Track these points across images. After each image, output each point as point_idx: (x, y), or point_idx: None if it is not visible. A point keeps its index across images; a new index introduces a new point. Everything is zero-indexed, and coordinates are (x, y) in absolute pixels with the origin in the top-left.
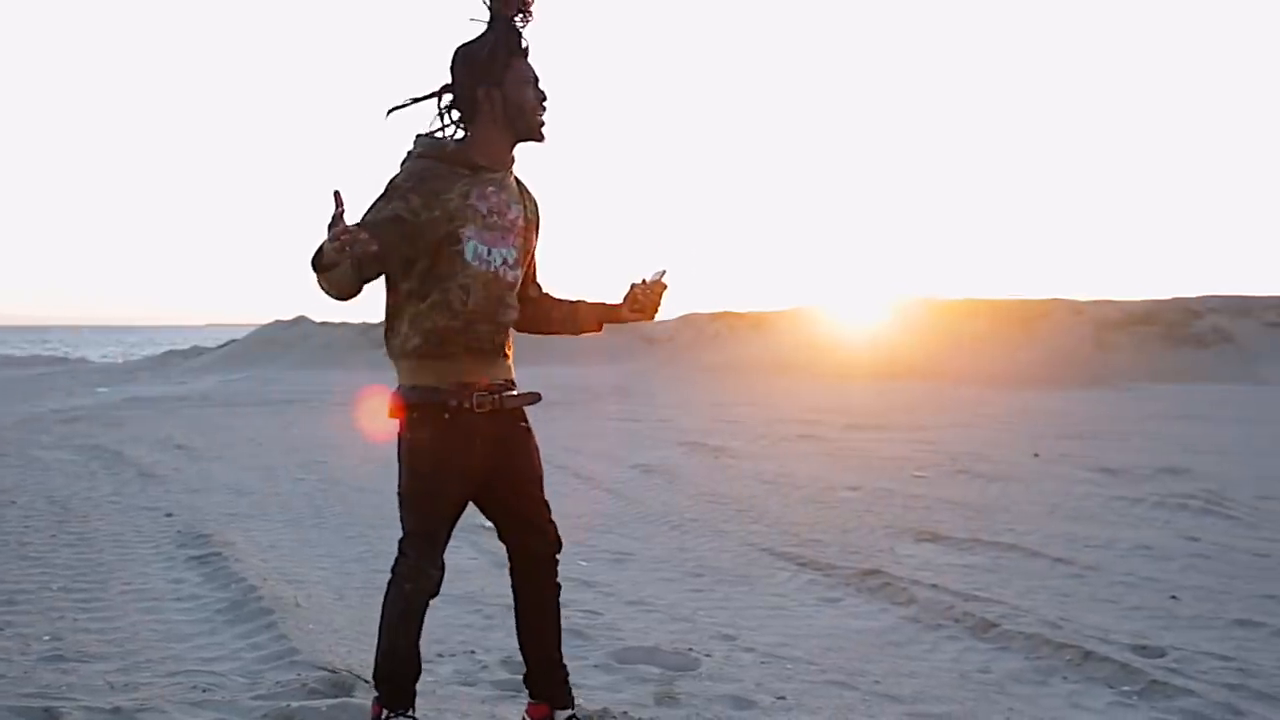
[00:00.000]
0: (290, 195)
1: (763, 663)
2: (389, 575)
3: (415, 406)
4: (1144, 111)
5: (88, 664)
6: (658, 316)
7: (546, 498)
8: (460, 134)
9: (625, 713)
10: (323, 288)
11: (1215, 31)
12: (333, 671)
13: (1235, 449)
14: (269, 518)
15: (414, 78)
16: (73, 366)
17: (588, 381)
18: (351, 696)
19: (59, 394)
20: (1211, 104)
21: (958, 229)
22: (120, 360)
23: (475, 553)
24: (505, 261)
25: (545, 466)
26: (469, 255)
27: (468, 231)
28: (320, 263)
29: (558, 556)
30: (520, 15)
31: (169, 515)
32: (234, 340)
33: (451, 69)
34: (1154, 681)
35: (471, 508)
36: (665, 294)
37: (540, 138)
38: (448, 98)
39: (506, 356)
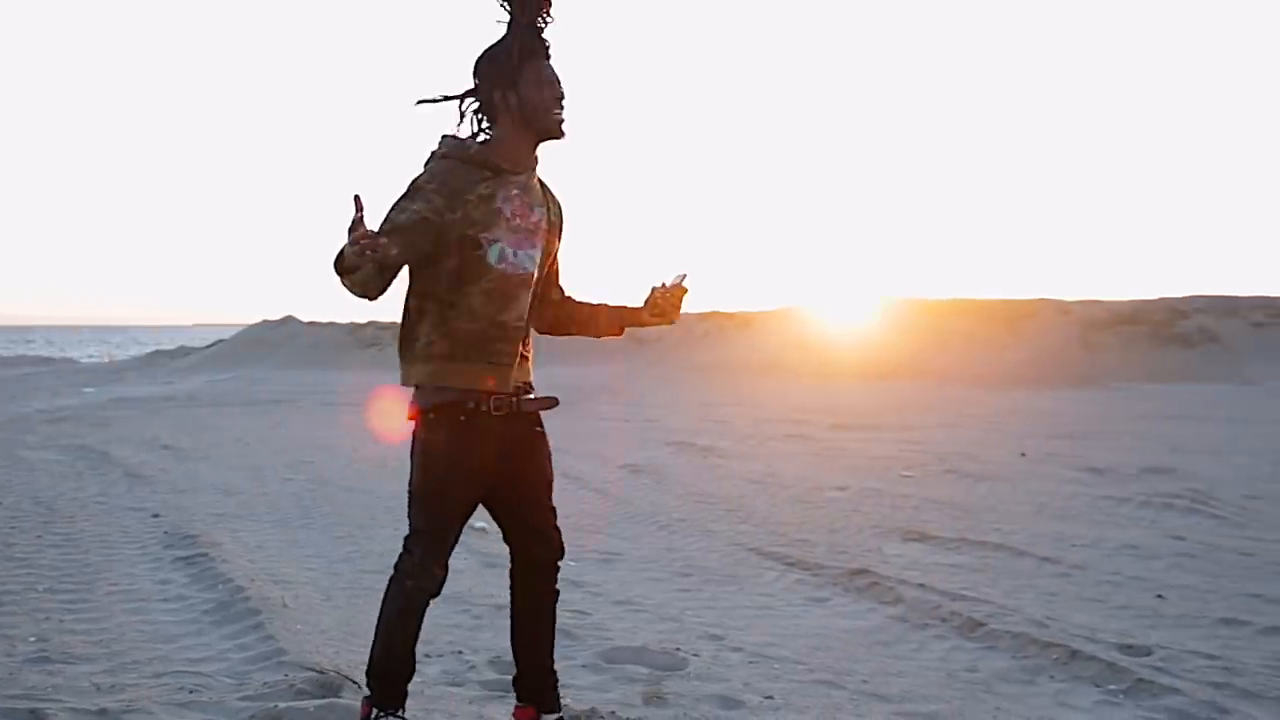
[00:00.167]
0: (279, 195)
1: (750, 662)
2: (378, 574)
3: (432, 407)
4: (1132, 113)
5: (74, 665)
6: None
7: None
8: (484, 136)
9: (613, 712)
10: (346, 287)
11: (1196, 33)
12: (320, 672)
13: (1221, 448)
14: (256, 518)
15: (408, 78)
16: (58, 367)
17: (576, 381)
18: (339, 697)
19: (45, 394)
20: (1198, 106)
21: (945, 229)
22: (107, 360)
23: (464, 553)
24: (528, 264)
25: None
26: (493, 259)
27: (492, 235)
28: (342, 266)
29: (559, 564)
30: (540, 18)
31: (156, 516)
32: (221, 340)
33: (474, 73)
34: (1140, 680)
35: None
36: (685, 297)
37: (559, 134)
38: (473, 101)
39: (526, 359)
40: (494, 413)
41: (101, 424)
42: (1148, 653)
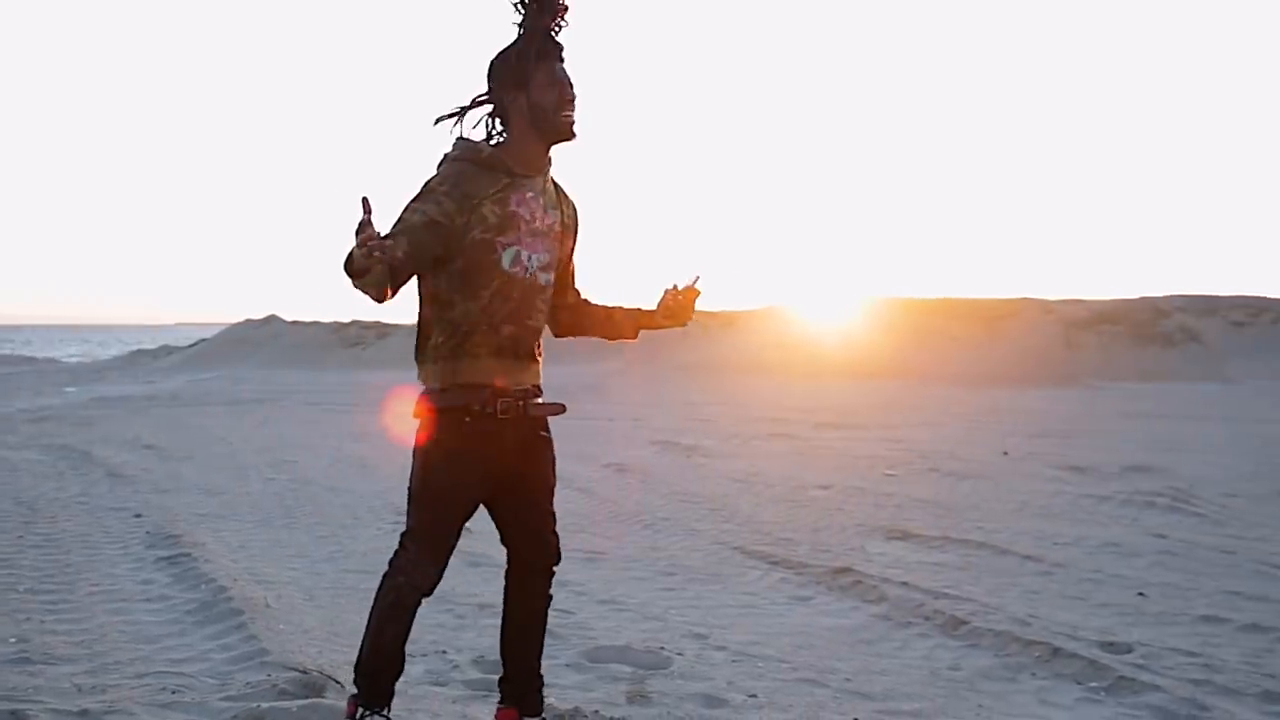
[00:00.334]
0: (263, 193)
1: (734, 661)
2: (362, 574)
3: (439, 408)
4: (1112, 114)
5: (55, 666)
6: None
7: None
8: (498, 139)
9: (597, 711)
10: (358, 289)
11: (1172, 36)
12: (303, 672)
13: (1202, 447)
14: (239, 518)
15: (397, 78)
16: (40, 366)
17: (561, 380)
18: (322, 697)
19: (26, 394)
20: (1179, 107)
21: (928, 229)
22: (88, 360)
23: None
24: (540, 266)
25: None
26: (507, 263)
27: (506, 239)
28: (351, 268)
29: (555, 569)
30: (555, 23)
31: (138, 516)
32: (204, 339)
33: (487, 76)
34: (1121, 678)
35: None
36: (698, 299)
37: (570, 135)
38: (487, 105)
39: (536, 361)
40: (500, 415)
41: (84, 423)
42: (1129, 650)
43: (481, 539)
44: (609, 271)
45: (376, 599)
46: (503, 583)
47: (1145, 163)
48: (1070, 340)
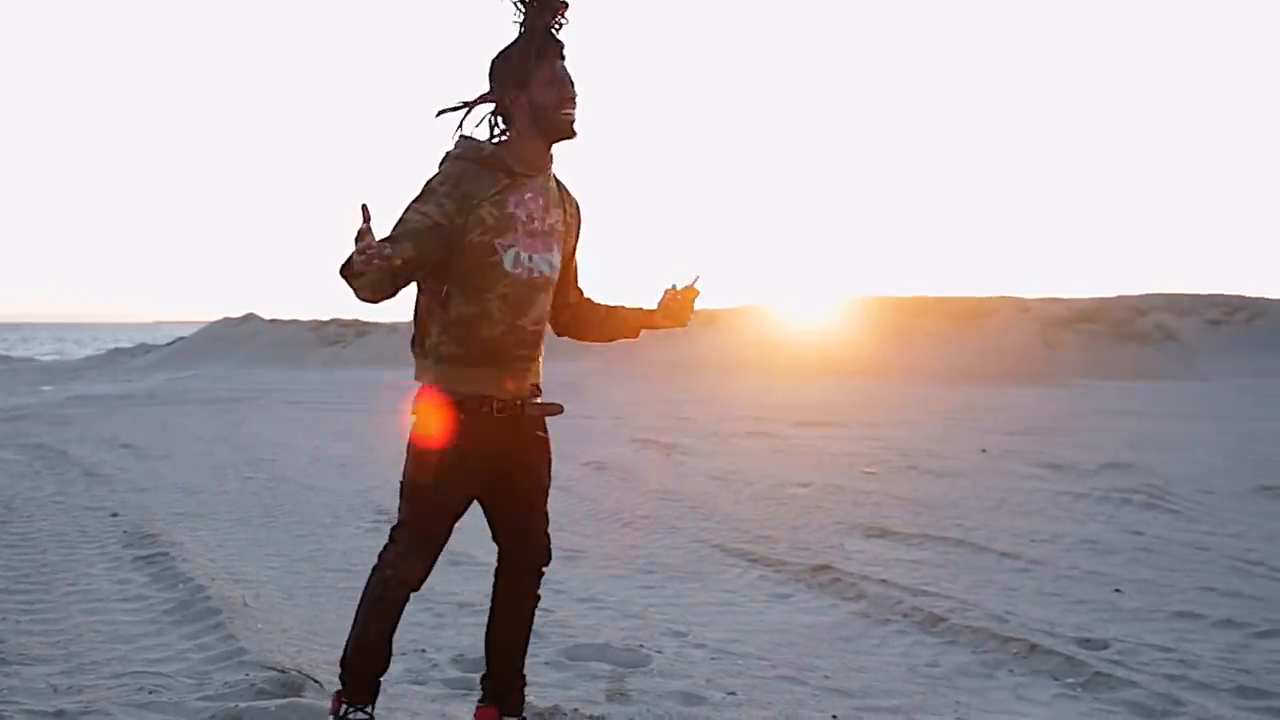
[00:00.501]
0: (242, 191)
1: (713, 659)
2: (340, 573)
3: (435, 404)
4: (1090, 113)
5: (30, 667)
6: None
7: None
8: (500, 138)
9: (576, 709)
10: (355, 291)
11: (1147, 33)
12: (281, 671)
13: (1178, 444)
14: (217, 517)
15: (380, 76)
16: (15, 365)
17: (542, 379)
18: (300, 696)
19: (1, 393)
20: (1156, 107)
21: (907, 228)
22: (65, 358)
23: None
24: (544, 267)
25: None
26: (509, 264)
27: (506, 240)
28: (350, 272)
29: (544, 569)
30: (555, 22)
31: (115, 515)
32: (182, 338)
33: (489, 76)
34: (1098, 673)
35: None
36: (697, 300)
37: (570, 134)
38: (489, 104)
39: (535, 360)
40: (497, 414)
41: (60, 422)
42: (1105, 646)
43: (462, 537)
44: (586, 269)
45: (363, 592)
46: (482, 582)
47: (1123, 162)
48: (1048, 338)
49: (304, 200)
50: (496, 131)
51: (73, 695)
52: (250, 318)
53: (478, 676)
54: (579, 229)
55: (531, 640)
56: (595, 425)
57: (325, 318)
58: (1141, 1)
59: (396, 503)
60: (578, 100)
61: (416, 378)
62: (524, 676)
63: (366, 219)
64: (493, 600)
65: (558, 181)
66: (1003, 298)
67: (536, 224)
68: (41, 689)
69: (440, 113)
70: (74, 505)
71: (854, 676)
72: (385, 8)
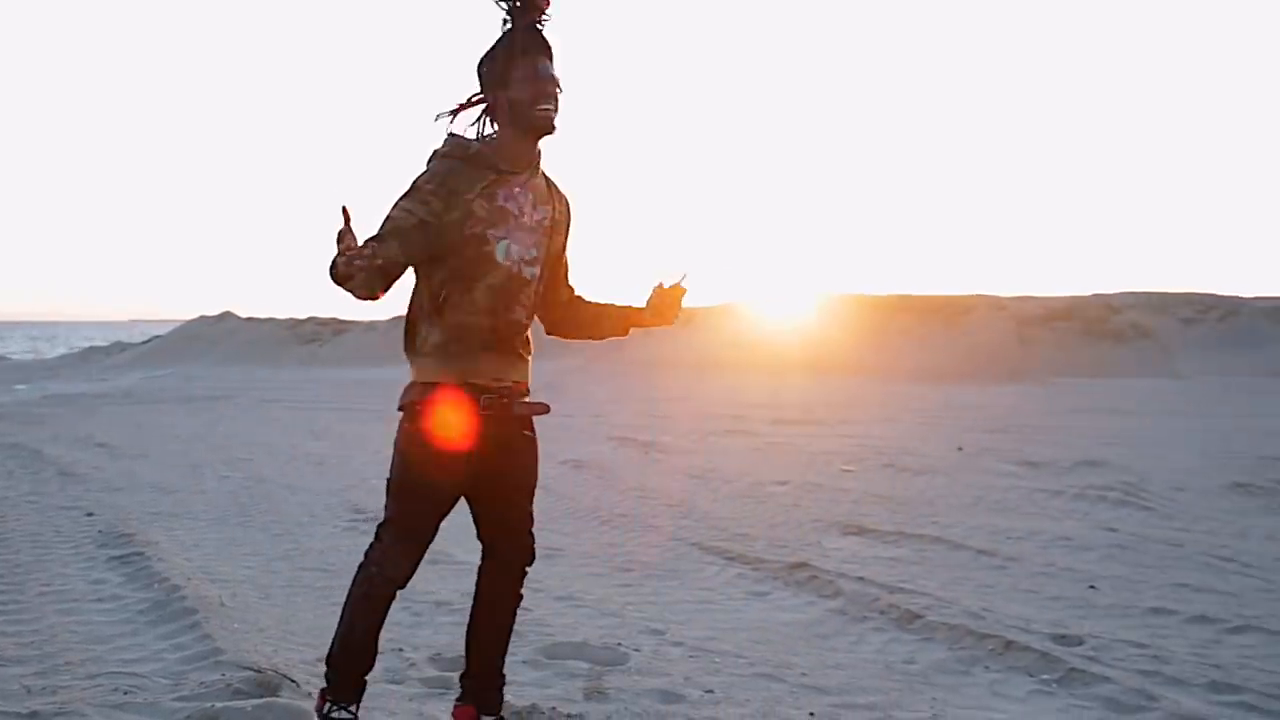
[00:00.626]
0: (218, 188)
1: (691, 656)
2: (317, 572)
3: (422, 401)
4: (1067, 114)
5: (4, 667)
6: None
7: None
8: (487, 136)
9: (554, 708)
10: (348, 292)
11: (1124, 36)
12: (258, 671)
13: (1152, 442)
14: (193, 516)
15: (360, 75)
16: None
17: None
18: (277, 696)
19: None
20: (1130, 109)
21: (884, 226)
22: (38, 357)
23: None
24: (527, 261)
25: None
26: (500, 256)
27: (499, 231)
28: (337, 275)
29: (528, 568)
30: (538, 20)
31: (89, 514)
32: (158, 336)
33: (477, 75)
34: (1072, 669)
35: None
36: (684, 297)
37: (547, 129)
38: (480, 103)
39: (523, 358)
40: (484, 411)
41: (34, 421)
42: (1080, 642)
43: (440, 536)
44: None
45: (350, 589)
46: (460, 580)
47: (1098, 162)
48: (1024, 337)
49: (282, 198)
50: (488, 132)
51: (46, 696)
52: (227, 316)
53: (455, 675)
54: (569, 226)
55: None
56: (574, 423)
57: (302, 316)
58: (1115, 4)
59: (373, 501)
60: (558, 97)
61: (411, 376)
62: (503, 676)
63: (347, 220)
64: (475, 598)
65: (547, 178)
66: (979, 296)
67: (525, 218)
68: (15, 690)
69: (438, 117)
70: (48, 505)
71: (831, 674)
72: (366, 7)
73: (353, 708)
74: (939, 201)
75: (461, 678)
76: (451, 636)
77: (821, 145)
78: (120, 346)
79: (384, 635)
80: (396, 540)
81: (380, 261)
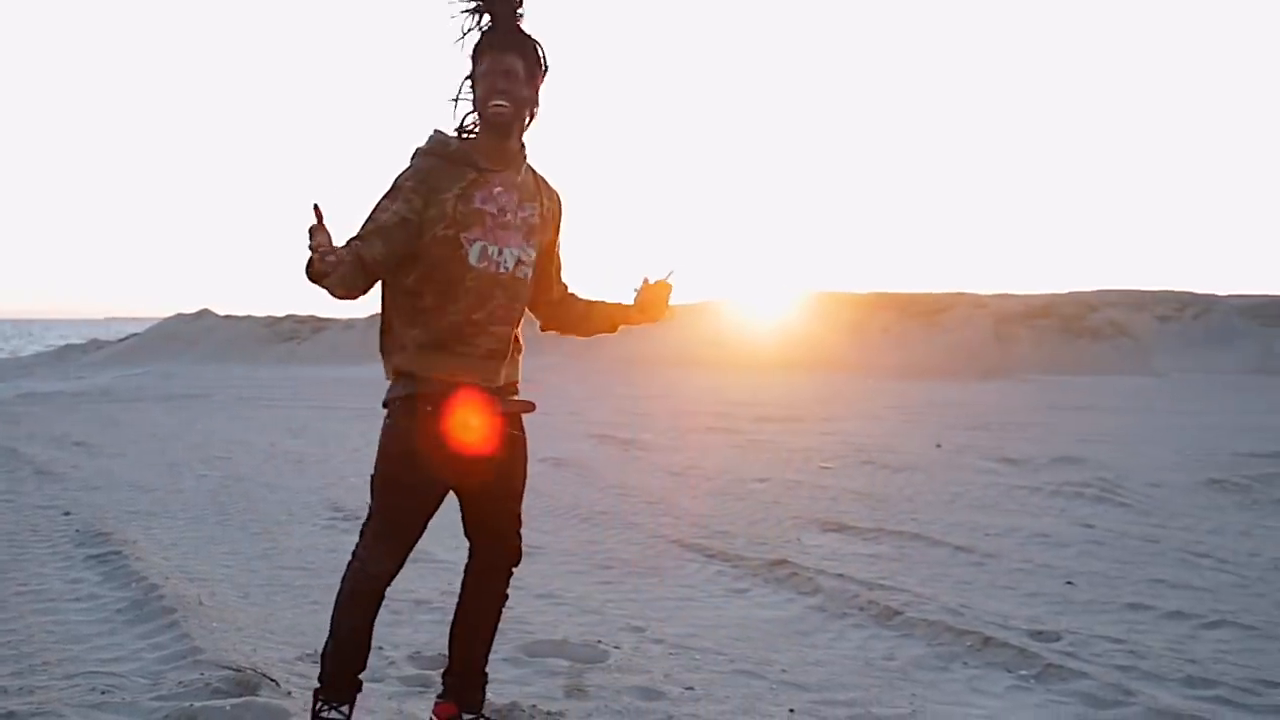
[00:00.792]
0: (195, 185)
1: (671, 654)
2: (296, 571)
3: (404, 399)
4: (1046, 114)
5: None
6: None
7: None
8: (468, 132)
9: (534, 705)
10: (326, 290)
11: (1105, 37)
12: (237, 670)
13: (1129, 438)
14: (171, 515)
15: (337, 73)
16: None
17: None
18: (256, 695)
19: None
20: (1109, 108)
21: (864, 224)
22: (13, 356)
23: None
24: (512, 260)
25: None
26: (474, 258)
27: (471, 234)
28: (310, 272)
29: (514, 569)
30: (514, 14)
31: (67, 514)
32: (135, 334)
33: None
34: (1050, 665)
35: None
36: (670, 294)
37: (500, 126)
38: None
39: (507, 357)
40: (465, 405)
41: (10, 420)
42: (1057, 638)
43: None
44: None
45: (340, 585)
46: (439, 579)
47: (1076, 160)
48: (1003, 334)
49: (260, 195)
50: (467, 130)
51: (23, 696)
52: (204, 314)
53: (435, 673)
54: (559, 222)
55: None
56: (552, 421)
57: (281, 314)
58: (1096, 5)
59: (352, 500)
60: (514, 94)
61: (386, 373)
62: (486, 674)
63: (319, 217)
64: (460, 596)
65: (535, 175)
66: (958, 294)
67: (509, 217)
68: None
69: (455, 117)
70: (25, 504)
71: (811, 670)
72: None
73: (345, 708)
74: (919, 199)
75: (444, 675)
76: (431, 635)
77: (803, 144)
78: (97, 344)
79: None
80: (378, 537)
81: (364, 259)
